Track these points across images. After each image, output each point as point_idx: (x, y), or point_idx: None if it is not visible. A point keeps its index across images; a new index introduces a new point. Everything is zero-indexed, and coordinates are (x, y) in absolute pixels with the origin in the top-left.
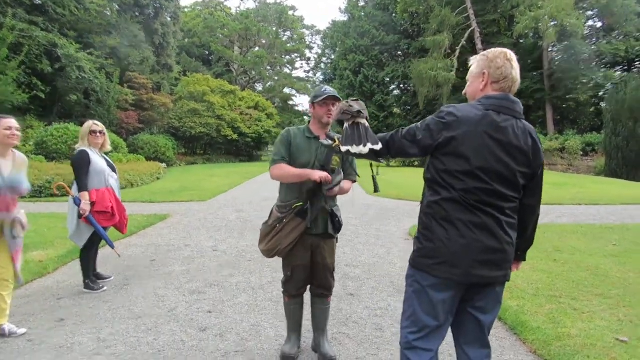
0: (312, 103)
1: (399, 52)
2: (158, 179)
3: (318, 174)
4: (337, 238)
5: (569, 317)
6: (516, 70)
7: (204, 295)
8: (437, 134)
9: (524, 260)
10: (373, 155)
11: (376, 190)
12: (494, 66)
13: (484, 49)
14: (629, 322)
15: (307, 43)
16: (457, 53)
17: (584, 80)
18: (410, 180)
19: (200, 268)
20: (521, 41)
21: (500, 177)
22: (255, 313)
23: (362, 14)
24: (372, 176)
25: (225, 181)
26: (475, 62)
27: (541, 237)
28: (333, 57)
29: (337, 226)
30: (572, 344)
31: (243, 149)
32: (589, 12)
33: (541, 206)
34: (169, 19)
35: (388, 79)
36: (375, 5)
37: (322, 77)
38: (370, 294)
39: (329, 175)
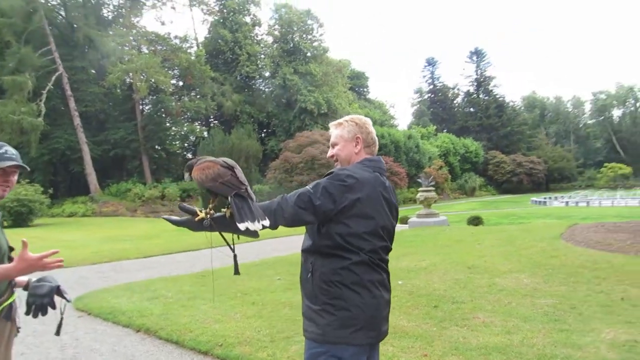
0: None
1: None
2: None
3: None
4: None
5: None
6: None
7: None
8: (340, 198)
9: None
10: (254, 231)
11: (237, 272)
12: (365, 132)
13: (75, 96)
14: None
15: None
16: (43, 97)
17: (173, 133)
18: (83, 240)
19: None
20: (113, 91)
21: (389, 234)
22: None
23: None
24: (234, 255)
25: None
26: (343, 128)
27: (227, 282)
28: None
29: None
30: None
31: None
32: (173, 72)
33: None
34: None
35: None
36: None
37: None
38: None
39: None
